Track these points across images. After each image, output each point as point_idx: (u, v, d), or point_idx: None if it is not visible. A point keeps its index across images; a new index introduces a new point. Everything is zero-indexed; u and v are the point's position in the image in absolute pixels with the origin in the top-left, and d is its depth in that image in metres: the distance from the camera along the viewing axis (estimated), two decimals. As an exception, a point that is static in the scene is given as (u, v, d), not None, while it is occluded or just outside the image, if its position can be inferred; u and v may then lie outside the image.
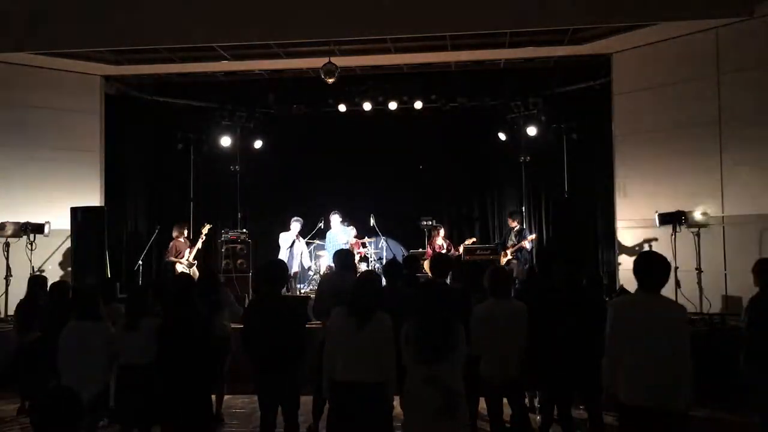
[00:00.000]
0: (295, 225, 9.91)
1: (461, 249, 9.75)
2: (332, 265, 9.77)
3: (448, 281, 6.41)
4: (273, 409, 4.43)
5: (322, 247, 10.42)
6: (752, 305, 4.79)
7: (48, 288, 6.23)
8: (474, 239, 10.13)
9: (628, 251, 8.92)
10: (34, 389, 6.10)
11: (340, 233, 10.01)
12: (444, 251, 9.77)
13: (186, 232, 9.75)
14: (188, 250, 9.47)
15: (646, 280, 3.53)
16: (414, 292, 4.60)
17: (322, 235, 10.44)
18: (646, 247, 8.51)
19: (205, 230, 9.59)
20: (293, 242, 9.86)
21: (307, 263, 10.23)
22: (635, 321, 3.47)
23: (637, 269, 3.58)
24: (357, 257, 10.10)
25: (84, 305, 4.59)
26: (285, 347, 4.32)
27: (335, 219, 10.04)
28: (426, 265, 9.88)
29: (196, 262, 9.45)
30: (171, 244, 9.53)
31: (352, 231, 10.27)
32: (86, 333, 4.47)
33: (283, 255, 9.78)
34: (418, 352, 3.63)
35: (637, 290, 3.61)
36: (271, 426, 4.45)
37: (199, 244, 9.46)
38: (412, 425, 3.69)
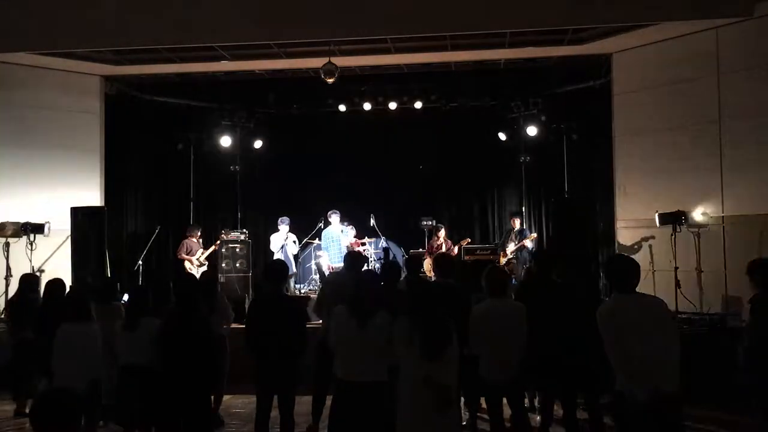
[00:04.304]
0: (283, 226, 9.89)
1: (455, 250, 9.72)
2: (332, 266, 9.84)
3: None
4: (269, 397, 4.58)
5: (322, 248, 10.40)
6: (752, 306, 4.80)
7: (41, 287, 6.20)
8: (469, 240, 10.11)
9: (628, 251, 8.92)
10: (26, 390, 6.10)
11: (337, 233, 9.92)
12: (443, 251, 9.77)
13: (199, 233, 9.96)
14: (201, 250, 9.75)
15: (626, 282, 3.67)
16: (407, 292, 4.61)
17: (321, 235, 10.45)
18: (645, 247, 8.50)
19: (225, 237, 9.77)
20: (284, 243, 9.84)
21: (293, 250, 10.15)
22: (628, 321, 3.57)
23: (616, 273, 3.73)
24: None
25: (73, 307, 4.58)
26: (286, 343, 4.45)
27: (335, 218, 9.98)
28: (426, 264, 9.89)
29: (207, 263, 9.68)
30: (183, 241, 9.77)
31: (351, 231, 10.25)
32: (77, 335, 4.46)
33: (276, 257, 9.78)
34: (411, 351, 3.64)
35: (616, 293, 3.71)
36: (266, 413, 4.58)
37: (211, 249, 9.76)
38: (406, 423, 3.69)
